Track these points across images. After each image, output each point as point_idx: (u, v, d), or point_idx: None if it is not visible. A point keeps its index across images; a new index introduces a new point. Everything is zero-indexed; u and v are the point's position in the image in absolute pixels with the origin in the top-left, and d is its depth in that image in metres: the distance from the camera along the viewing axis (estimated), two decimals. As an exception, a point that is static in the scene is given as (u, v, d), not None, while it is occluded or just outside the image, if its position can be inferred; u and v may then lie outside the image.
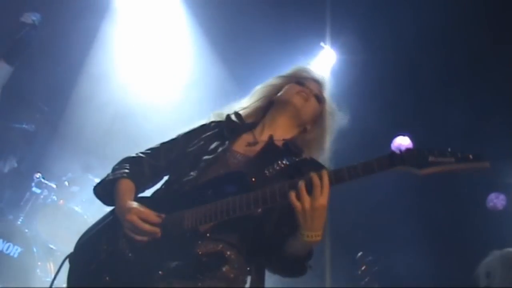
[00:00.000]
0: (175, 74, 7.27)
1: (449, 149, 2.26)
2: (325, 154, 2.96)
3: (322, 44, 6.89)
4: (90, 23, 6.90)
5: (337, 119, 3.04)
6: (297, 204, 2.29)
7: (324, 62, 7.05)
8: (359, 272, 5.77)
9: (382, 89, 7.05)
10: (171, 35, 7.29)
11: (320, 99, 2.98)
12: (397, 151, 2.30)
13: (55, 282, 2.83)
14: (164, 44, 7.29)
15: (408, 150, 2.30)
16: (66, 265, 2.74)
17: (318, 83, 3.05)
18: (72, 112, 7.10)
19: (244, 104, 3.05)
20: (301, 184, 2.30)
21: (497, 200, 7.80)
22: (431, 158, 2.25)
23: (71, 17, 6.67)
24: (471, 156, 2.23)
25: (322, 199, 2.28)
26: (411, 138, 7.52)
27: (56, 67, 6.62)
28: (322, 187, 2.28)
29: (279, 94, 2.98)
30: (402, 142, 7.55)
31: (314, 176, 2.29)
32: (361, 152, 6.70)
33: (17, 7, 6.14)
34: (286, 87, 2.99)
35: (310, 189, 2.29)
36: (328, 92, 3.07)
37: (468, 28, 6.47)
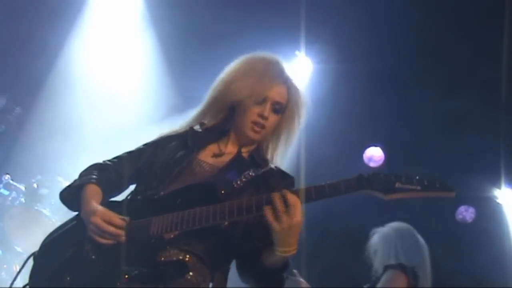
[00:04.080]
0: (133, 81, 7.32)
1: (417, 177, 2.30)
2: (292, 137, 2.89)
3: (296, 52, 6.90)
4: (62, 23, 6.86)
5: (301, 106, 2.86)
6: (275, 224, 2.30)
7: (299, 71, 7.06)
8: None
9: (355, 98, 7.10)
10: (132, 44, 7.38)
11: (279, 110, 2.79)
12: (365, 174, 2.33)
13: (18, 280, 2.79)
14: (126, 51, 7.35)
15: (375, 174, 2.34)
16: (29, 264, 2.71)
17: (282, 85, 2.81)
18: (42, 113, 7.03)
19: (204, 113, 2.90)
20: (280, 204, 2.29)
21: (466, 213, 7.89)
22: (397, 185, 2.29)
23: (44, 17, 6.63)
24: (437, 185, 2.28)
25: (299, 216, 2.30)
26: (383, 149, 7.57)
27: (28, 67, 6.55)
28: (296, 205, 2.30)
29: (237, 113, 2.79)
30: (374, 153, 7.60)
31: (290, 194, 2.30)
32: (334, 162, 6.75)
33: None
34: (245, 105, 2.75)
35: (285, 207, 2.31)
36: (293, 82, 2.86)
37: (444, 37, 6.54)
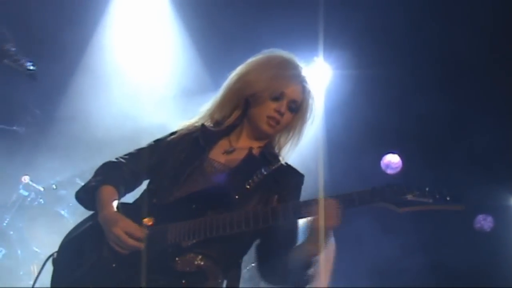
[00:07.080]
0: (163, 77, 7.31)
1: (427, 188, 2.38)
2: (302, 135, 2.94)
3: (315, 58, 6.89)
4: (84, 27, 6.92)
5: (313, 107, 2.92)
6: (328, 224, 2.41)
7: (317, 76, 7.05)
8: None
9: (374, 104, 7.07)
10: (160, 38, 7.36)
11: (295, 108, 2.83)
12: (378, 187, 2.41)
13: (38, 283, 2.82)
14: (153, 47, 7.34)
15: (389, 186, 2.41)
16: (49, 266, 2.74)
17: (298, 84, 2.84)
18: (63, 115, 7.09)
19: (217, 108, 2.91)
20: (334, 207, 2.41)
21: (484, 222, 7.82)
22: (409, 197, 2.38)
23: (67, 19, 6.68)
24: (448, 198, 2.36)
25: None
26: (401, 156, 7.54)
27: (50, 70, 6.60)
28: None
29: (252, 106, 2.80)
30: (391, 159, 7.57)
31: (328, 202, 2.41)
32: (352, 168, 6.72)
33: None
34: (260, 98, 2.78)
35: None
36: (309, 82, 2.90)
37: (463, 44, 6.50)
